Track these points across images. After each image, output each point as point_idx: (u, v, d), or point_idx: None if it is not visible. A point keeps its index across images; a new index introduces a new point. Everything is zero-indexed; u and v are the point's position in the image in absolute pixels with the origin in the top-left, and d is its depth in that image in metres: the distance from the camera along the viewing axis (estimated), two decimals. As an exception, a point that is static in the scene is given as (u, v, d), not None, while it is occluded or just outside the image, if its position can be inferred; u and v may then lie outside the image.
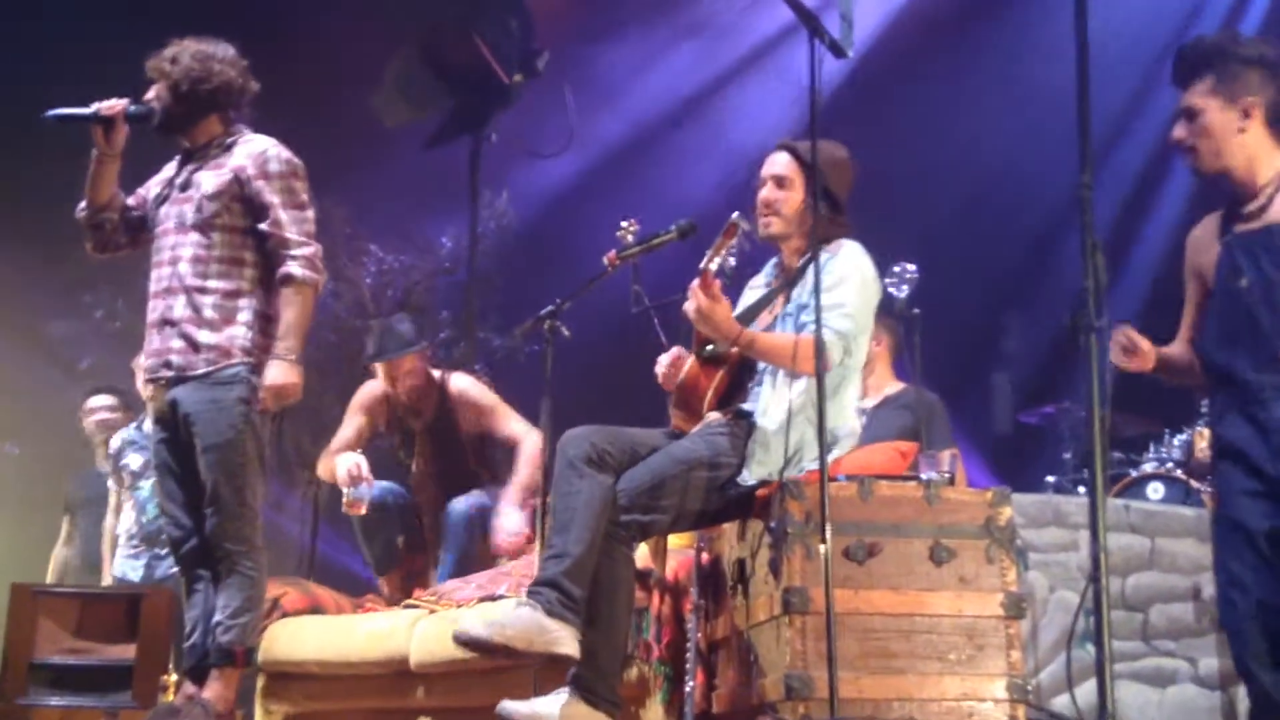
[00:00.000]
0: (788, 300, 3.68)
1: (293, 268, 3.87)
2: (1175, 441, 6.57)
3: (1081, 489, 6.39)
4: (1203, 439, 6.43)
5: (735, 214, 3.53)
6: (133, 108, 3.94)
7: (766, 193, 3.73)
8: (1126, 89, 8.69)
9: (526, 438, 5.11)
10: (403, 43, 8.12)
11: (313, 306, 3.91)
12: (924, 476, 3.51)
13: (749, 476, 3.49)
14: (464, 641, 3.31)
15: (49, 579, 5.55)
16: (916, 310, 5.34)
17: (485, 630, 3.27)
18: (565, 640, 3.27)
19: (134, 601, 4.60)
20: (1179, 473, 6.33)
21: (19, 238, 7.60)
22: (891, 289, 5.14)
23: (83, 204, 4.07)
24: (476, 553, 5.10)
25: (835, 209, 3.66)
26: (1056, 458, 7.11)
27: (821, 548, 3.03)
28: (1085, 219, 2.95)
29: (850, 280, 3.56)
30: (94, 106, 3.93)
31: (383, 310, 9.73)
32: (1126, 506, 5.23)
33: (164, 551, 5.37)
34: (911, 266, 5.20)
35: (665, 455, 3.50)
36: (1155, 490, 6.24)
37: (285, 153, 4.00)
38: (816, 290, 3.22)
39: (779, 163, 3.74)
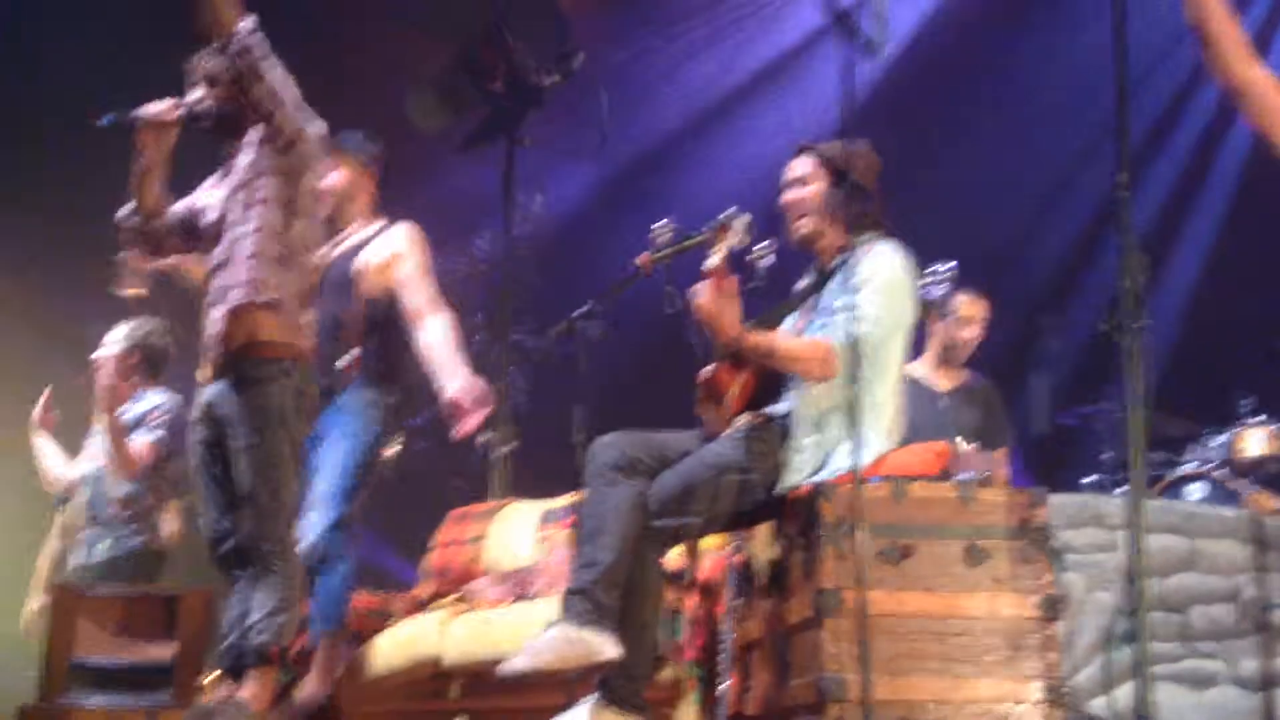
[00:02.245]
0: (818, 302, 3.66)
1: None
2: (1216, 441, 6.51)
3: (1119, 489, 6.34)
4: (1243, 439, 6.37)
5: (727, 211, 3.51)
6: (184, 110, 3.96)
7: (788, 195, 3.72)
8: (1167, 87, 8.62)
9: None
10: (437, 46, 8.14)
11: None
12: (959, 477, 3.49)
13: (783, 485, 3.48)
14: (511, 679, 3.31)
15: (44, 573, 5.57)
16: (954, 316, 5.32)
17: (527, 662, 3.27)
18: (604, 647, 3.27)
19: (172, 602, 4.64)
20: (1219, 473, 6.27)
21: (58, 242, 7.68)
22: (930, 289, 5.13)
23: (128, 210, 4.09)
24: None
25: (864, 200, 3.63)
26: (1095, 458, 7.05)
27: (855, 547, 3.02)
28: (1123, 219, 2.93)
29: (875, 281, 3.52)
30: (146, 110, 3.94)
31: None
32: (1166, 507, 5.19)
33: (91, 533, 5.39)
34: (950, 265, 5.17)
35: (696, 460, 3.49)
36: (1195, 490, 6.18)
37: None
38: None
39: (797, 165, 3.73)
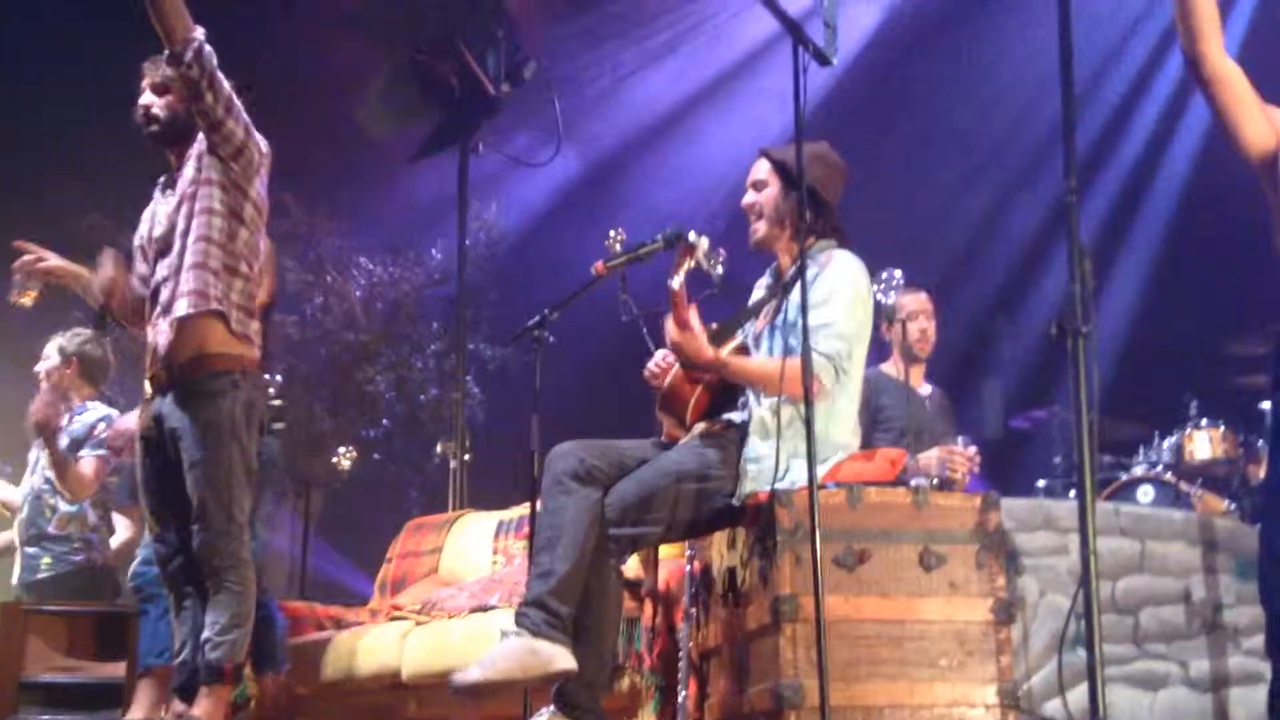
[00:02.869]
0: (779, 310, 3.67)
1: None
2: (1165, 444, 6.58)
3: (1072, 493, 6.40)
4: (1192, 441, 6.45)
5: (690, 233, 3.53)
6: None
7: (746, 198, 3.74)
8: (1114, 92, 8.73)
9: None
10: (389, 55, 8.12)
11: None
12: (912, 483, 3.51)
13: (741, 493, 3.49)
14: (463, 691, 3.28)
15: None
16: (904, 317, 5.35)
17: (480, 673, 3.25)
18: (559, 657, 3.26)
19: (123, 620, 4.58)
20: (1169, 475, 6.34)
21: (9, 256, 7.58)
22: (879, 295, 5.16)
23: (96, 303, 4.11)
24: None
25: (819, 206, 3.63)
26: (1047, 462, 7.12)
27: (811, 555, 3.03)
28: (1072, 223, 2.96)
29: (839, 295, 3.53)
30: (20, 278, 4.04)
31: (374, 323, 9.74)
32: (1116, 510, 5.23)
33: (32, 550, 5.33)
34: (898, 273, 5.20)
35: (654, 468, 3.49)
36: (1145, 493, 6.25)
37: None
38: (804, 306, 3.22)
39: (757, 169, 3.75)
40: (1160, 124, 8.74)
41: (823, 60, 3.40)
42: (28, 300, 4.15)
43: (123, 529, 5.41)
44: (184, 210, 3.90)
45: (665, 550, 4.06)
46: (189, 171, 3.93)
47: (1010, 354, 8.54)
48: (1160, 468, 6.44)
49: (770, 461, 3.44)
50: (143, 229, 4.09)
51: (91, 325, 5.07)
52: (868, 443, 4.76)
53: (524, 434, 4.06)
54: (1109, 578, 4.99)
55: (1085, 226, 2.88)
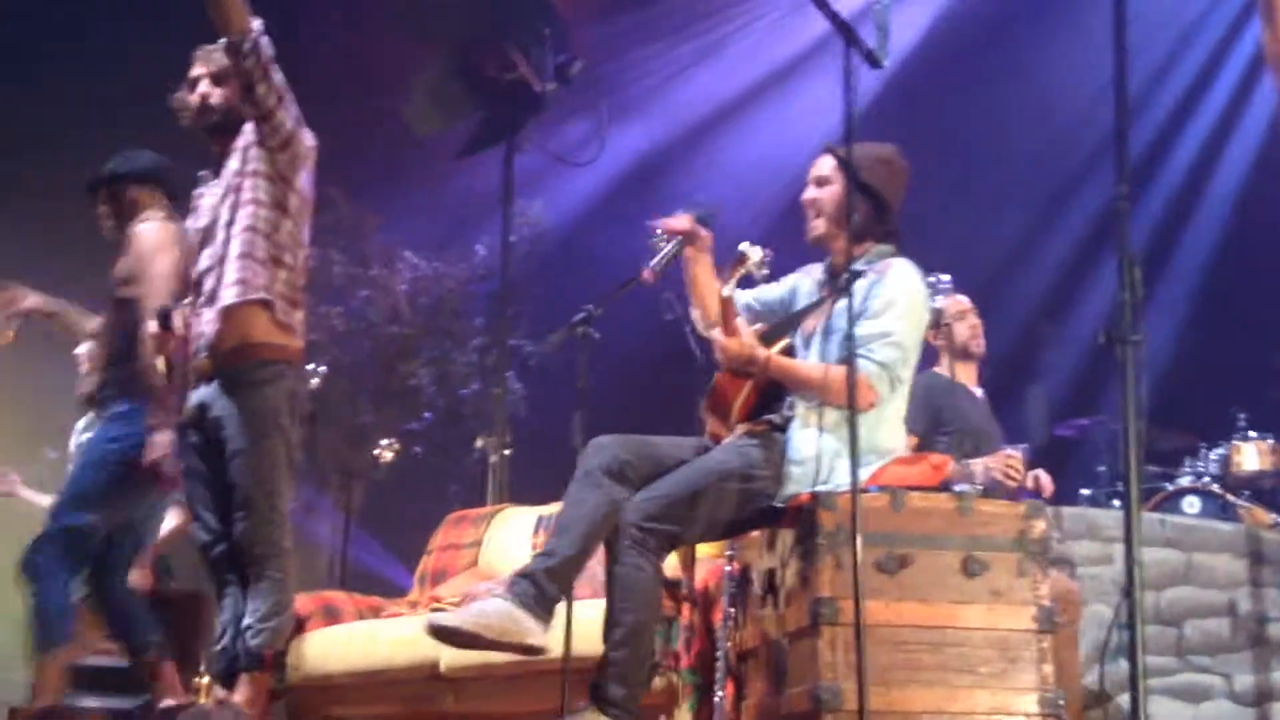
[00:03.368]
0: (831, 313, 3.63)
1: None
2: (1212, 455, 6.52)
3: (1116, 502, 6.35)
4: (1239, 453, 6.38)
5: (743, 244, 3.53)
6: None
7: (807, 193, 3.69)
8: (1168, 99, 8.65)
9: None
10: (436, 52, 8.16)
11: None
12: (957, 488, 3.48)
13: (783, 494, 3.48)
14: (436, 630, 3.27)
15: None
16: (950, 319, 5.32)
17: (457, 619, 3.25)
18: (535, 633, 3.26)
19: (165, 604, 4.63)
20: (1215, 487, 6.28)
21: (64, 245, 7.68)
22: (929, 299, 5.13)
23: (82, 338, 4.18)
24: None
25: (880, 210, 3.61)
26: (1092, 470, 7.06)
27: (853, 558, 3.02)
28: (1122, 230, 2.93)
29: (898, 305, 3.50)
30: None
31: (417, 317, 9.79)
32: (1162, 521, 5.20)
33: None
34: (946, 277, 5.18)
35: (698, 466, 3.48)
36: (1191, 504, 6.20)
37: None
38: (850, 314, 3.22)
39: (821, 164, 3.71)
40: (1214, 132, 8.65)
41: (874, 63, 3.39)
42: (2, 340, 4.22)
43: (172, 515, 5.46)
44: (229, 201, 3.93)
45: (704, 550, 4.05)
46: (234, 163, 3.96)
47: (1056, 361, 8.47)
48: (1207, 479, 6.38)
49: (813, 464, 3.43)
50: (189, 221, 4.13)
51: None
52: (927, 445, 4.75)
53: (565, 429, 4.07)
54: (1154, 588, 4.96)
55: (1135, 234, 2.85)
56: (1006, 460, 4.61)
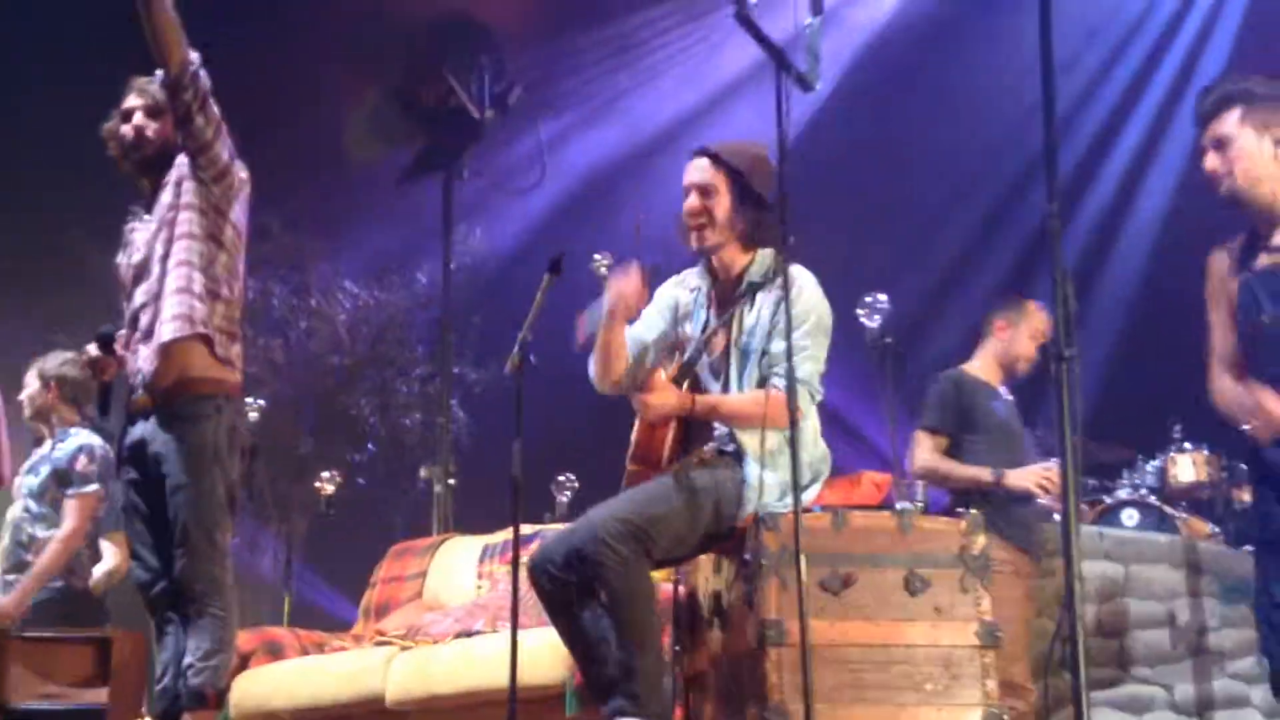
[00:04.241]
0: (734, 330, 3.59)
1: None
2: (1149, 467, 6.60)
3: (1056, 516, 6.41)
4: (1175, 464, 6.46)
5: (595, 256, 3.61)
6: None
7: (693, 202, 3.59)
8: (1097, 115, 8.79)
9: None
10: (375, 79, 8.14)
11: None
12: (898, 506, 3.51)
13: (740, 516, 3.47)
14: None
15: None
16: (889, 339, 5.35)
17: None
18: None
19: (105, 645, 4.55)
20: (1153, 499, 6.35)
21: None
22: (864, 319, 5.15)
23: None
24: None
25: (762, 210, 3.56)
26: (1031, 485, 7.11)
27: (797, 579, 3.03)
28: (1054, 247, 2.96)
29: (809, 320, 3.51)
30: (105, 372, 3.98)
31: (359, 347, 9.73)
32: (1101, 533, 5.25)
33: (12, 578, 5.28)
34: (883, 297, 5.21)
35: (684, 488, 3.42)
36: (1130, 516, 6.26)
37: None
38: (789, 328, 3.25)
39: (700, 171, 3.62)
40: (1142, 147, 8.80)
41: (805, 86, 3.41)
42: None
43: (109, 555, 5.36)
44: (163, 235, 3.89)
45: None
46: (167, 197, 3.91)
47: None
48: (1144, 491, 6.45)
49: (772, 490, 3.44)
50: (121, 256, 4.07)
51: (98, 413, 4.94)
52: (957, 447, 4.70)
53: (506, 459, 4.06)
54: (1094, 601, 5.00)
55: (1068, 249, 2.88)
56: (1043, 473, 4.52)
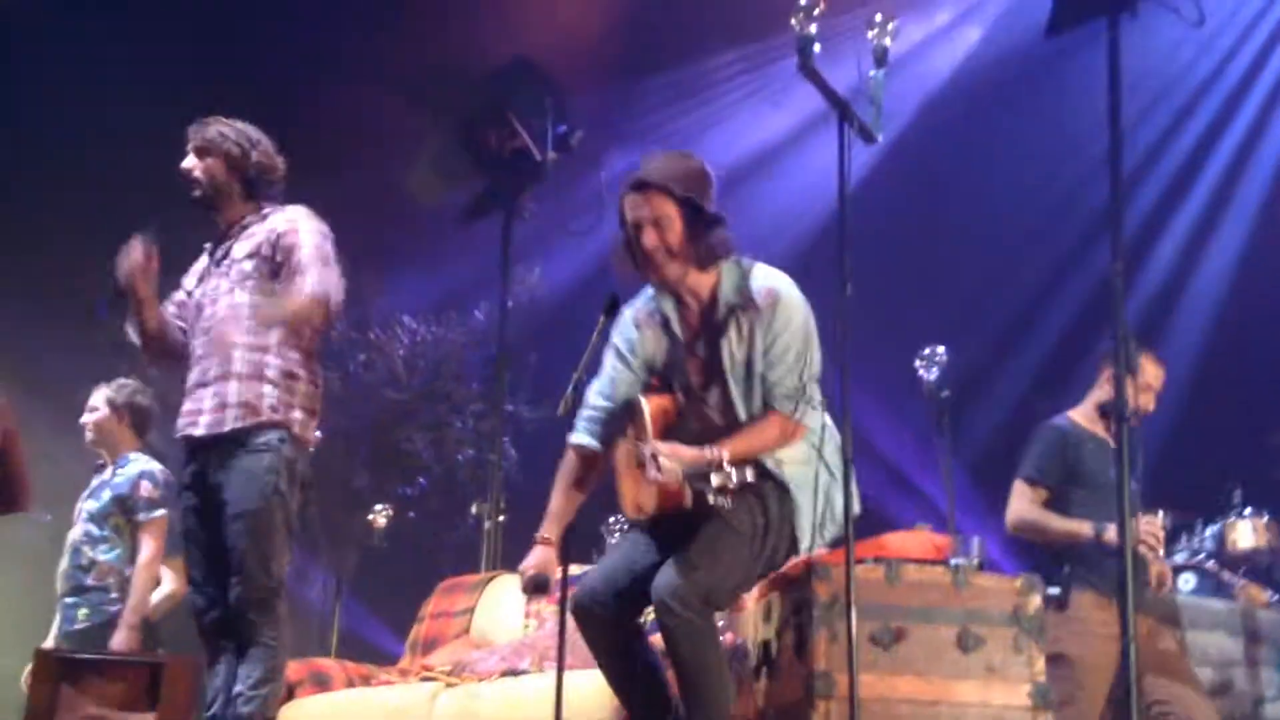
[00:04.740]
0: (726, 359, 3.52)
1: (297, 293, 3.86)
2: (1208, 532, 6.50)
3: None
4: (1234, 530, 6.36)
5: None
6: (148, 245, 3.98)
7: (650, 239, 3.46)
8: (1164, 174, 8.72)
9: None
10: (439, 121, 8.24)
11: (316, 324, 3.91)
12: (953, 562, 3.48)
13: (803, 547, 3.45)
14: None
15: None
16: (946, 393, 5.32)
17: None
18: None
19: (155, 670, 4.58)
20: (1211, 564, 6.25)
21: (52, 307, 7.71)
22: (922, 371, 5.13)
23: (132, 336, 4.12)
24: None
25: (713, 226, 3.49)
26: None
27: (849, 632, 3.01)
28: (1117, 306, 2.95)
29: (794, 328, 3.47)
30: (125, 268, 3.94)
31: (415, 382, 9.80)
32: (1158, 599, 5.16)
33: (71, 600, 5.34)
34: (941, 349, 5.19)
35: (743, 531, 3.37)
36: (1186, 581, 6.16)
37: (317, 220, 4.04)
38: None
39: (642, 203, 3.49)
40: (1210, 206, 8.72)
41: (868, 138, 3.43)
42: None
43: (168, 580, 5.42)
44: (236, 274, 3.95)
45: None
46: (245, 245, 3.99)
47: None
48: (1202, 556, 6.35)
49: (808, 513, 3.45)
50: (190, 283, 4.13)
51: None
52: (1061, 499, 4.56)
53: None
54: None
55: (1130, 309, 2.87)
56: (1146, 528, 4.31)
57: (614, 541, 6.16)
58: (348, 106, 8.33)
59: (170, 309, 4.13)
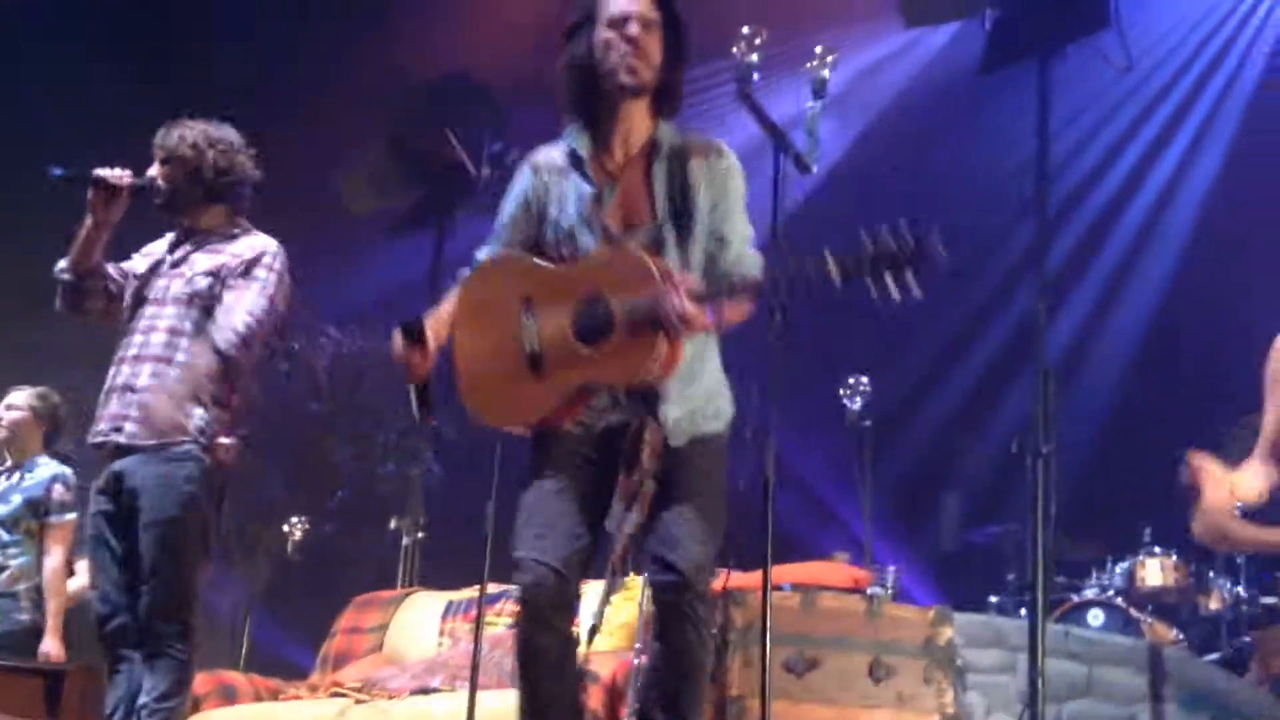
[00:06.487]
0: (658, 198, 3.03)
1: (217, 338, 3.83)
2: (1118, 569, 6.61)
3: (1023, 611, 6.40)
4: (1144, 568, 6.47)
5: None
6: (137, 181, 3.94)
7: (634, 30, 3.04)
8: (1089, 212, 8.88)
9: None
10: (375, 129, 8.20)
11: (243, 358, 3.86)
12: (868, 591, 3.51)
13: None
14: None
15: None
16: (868, 423, 5.37)
17: None
18: None
19: (55, 678, 4.49)
20: (1120, 600, 6.36)
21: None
22: (845, 401, 5.18)
23: (64, 264, 4.03)
24: None
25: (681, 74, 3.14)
26: (1001, 578, 7.12)
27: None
28: (1039, 342, 2.99)
29: (739, 182, 3.12)
30: (101, 172, 3.90)
31: (337, 395, 9.69)
32: (1066, 632, 5.23)
33: None
34: (865, 379, 5.24)
35: (707, 506, 2.88)
36: (1095, 617, 6.26)
37: (283, 258, 3.99)
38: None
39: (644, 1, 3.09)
40: (1131, 248, 8.90)
41: (803, 168, 3.45)
42: None
43: (83, 574, 5.41)
44: (191, 286, 3.89)
45: (610, 643, 4.01)
46: (207, 259, 3.93)
47: (971, 468, 8.57)
48: (1112, 592, 6.46)
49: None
50: (140, 265, 4.05)
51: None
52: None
53: (479, 516, 4.03)
54: (1056, 700, 4.97)
55: (1052, 346, 2.91)
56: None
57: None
58: (287, 107, 8.25)
59: (111, 268, 4.05)
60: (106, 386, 3.91)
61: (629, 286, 2.82)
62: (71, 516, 5.29)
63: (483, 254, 3.23)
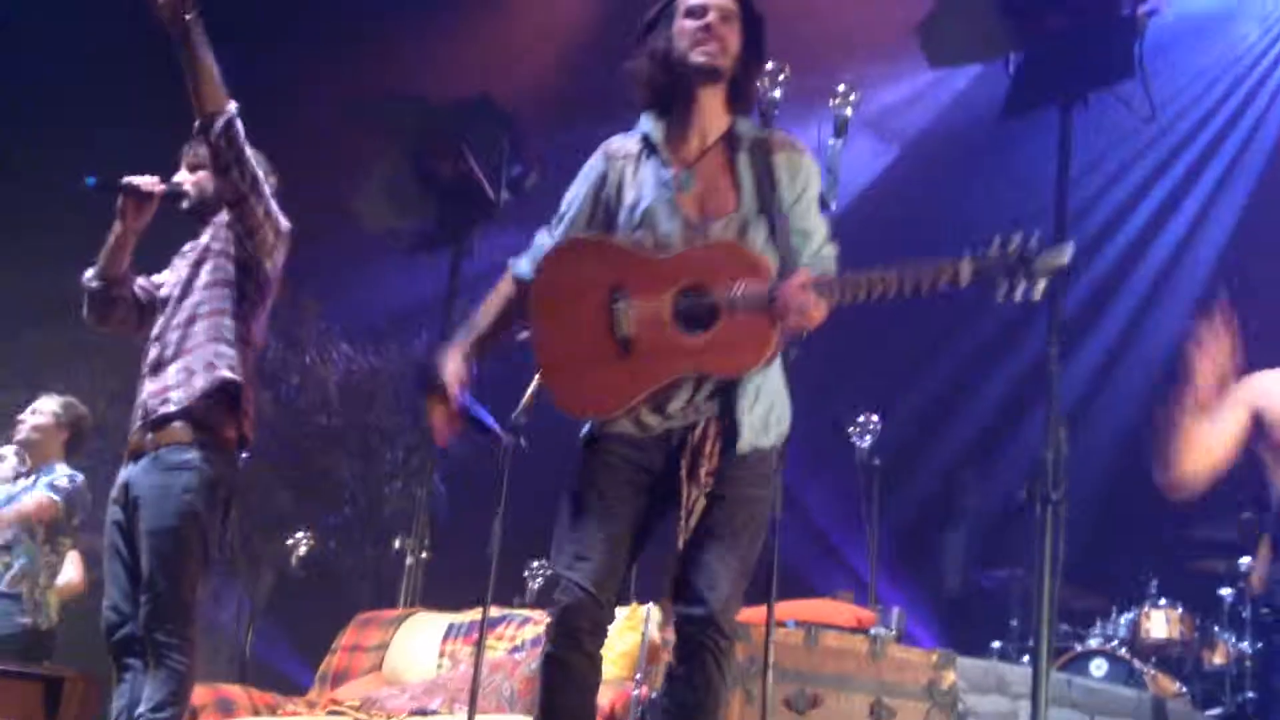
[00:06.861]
0: (745, 192, 2.97)
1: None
2: (1123, 619, 6.57)
3: (1026, 658, 6.37)
4: (1149, 619, 6.43)
5: None
6: (168, 188, 3.97)
7: (714, 19, 3.01)
8: (1106, 260, 8.88)
9: None
10: (393, 147, 8.22)
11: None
12: (871, 631, 3.49)
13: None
14: None
15: None
16: (877, 461, 5.36)
17: None
18: None
19: (55, 684, 4.49)
20: (1124, 651, 6.32)
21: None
22: (854, 439, 5.16)
23: (92, 273, 4.05)
24: None
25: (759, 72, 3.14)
26: (1004, 623, 7.09)
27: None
28: (1052, 388, 2.98)
29: (817, 182, 3.09)
30: (133, 180, 3.93)
31: (347, 409, 9.70)
32: (1069, 681, 5.20)
33: None
34: (875, 417, 5.22)
35: (741, 537, 2.80)
36: (1099, 667, 6.22)
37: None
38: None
39: None
40: (1145, 297, 8.89)
41: (822, 205, 3.46)
42: None
43: (70, 566, 5.46)
44: (192, 274, 3.93)
45: (610, 672, 3.99)
46: (204, 239, 3.98)
47: (977, 509, 8.55)
48: (1116, 643, 6.42)
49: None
50: (161, 280, 4.10)
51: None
52: None
53: (484, 536, 4.01)
54: (1057, 749, 4.94)
55: (1065, 391, 2.90)
56: None
57: (534, 585, 6.09)
58: (299, 120, 8.30)
59: (140, 280, 4.08)
60: (141, 373, 3.93)
61: (733, 276, 2.79)
62: (57, 497, 5.41)
63: (544, 238, 3.20)
